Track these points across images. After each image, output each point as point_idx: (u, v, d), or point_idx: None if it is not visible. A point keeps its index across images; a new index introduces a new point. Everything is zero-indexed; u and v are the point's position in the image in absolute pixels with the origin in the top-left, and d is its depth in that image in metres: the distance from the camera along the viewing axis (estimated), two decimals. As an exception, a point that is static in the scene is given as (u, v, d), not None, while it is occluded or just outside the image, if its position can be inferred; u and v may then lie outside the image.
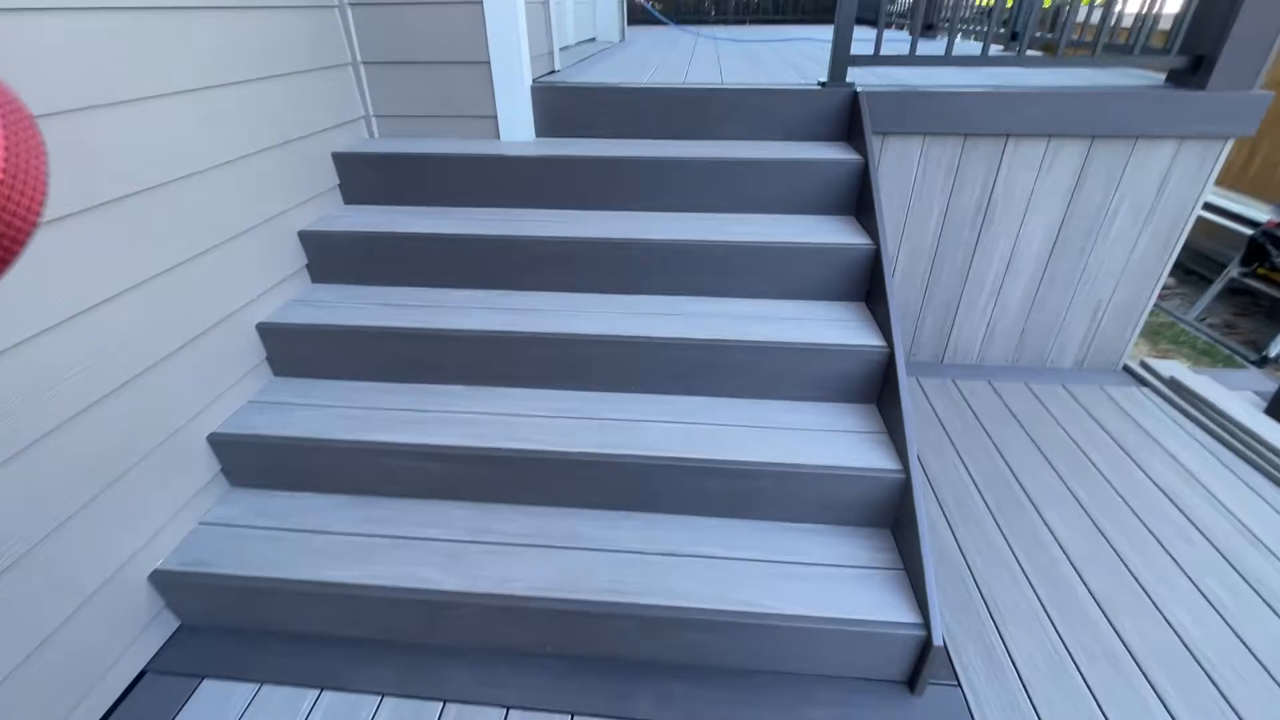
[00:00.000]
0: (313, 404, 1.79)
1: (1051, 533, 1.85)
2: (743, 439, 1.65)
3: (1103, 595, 1.66)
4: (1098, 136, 2.20)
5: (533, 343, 1.79)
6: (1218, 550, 1.79)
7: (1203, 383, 2.45)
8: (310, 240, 2.00)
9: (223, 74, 1.61)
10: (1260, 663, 1.49)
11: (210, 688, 1.43)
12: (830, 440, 1.65)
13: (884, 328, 1.75)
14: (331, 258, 2.04)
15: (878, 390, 1.76)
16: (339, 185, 2.20)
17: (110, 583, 1.36)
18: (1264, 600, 1.64)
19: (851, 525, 1.61)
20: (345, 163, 2.17)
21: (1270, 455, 2.09)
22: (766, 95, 2.23)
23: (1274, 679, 1.45)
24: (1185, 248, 5.06)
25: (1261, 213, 4.17)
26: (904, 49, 2.19)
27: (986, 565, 1.75)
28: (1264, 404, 2.41)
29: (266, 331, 1.82)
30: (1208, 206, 4.53)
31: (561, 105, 2.33)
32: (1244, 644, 1.53)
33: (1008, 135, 2.23)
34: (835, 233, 1.95)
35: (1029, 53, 2.20)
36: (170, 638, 1.54)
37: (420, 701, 1.40)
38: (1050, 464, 2.13)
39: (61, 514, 1.24)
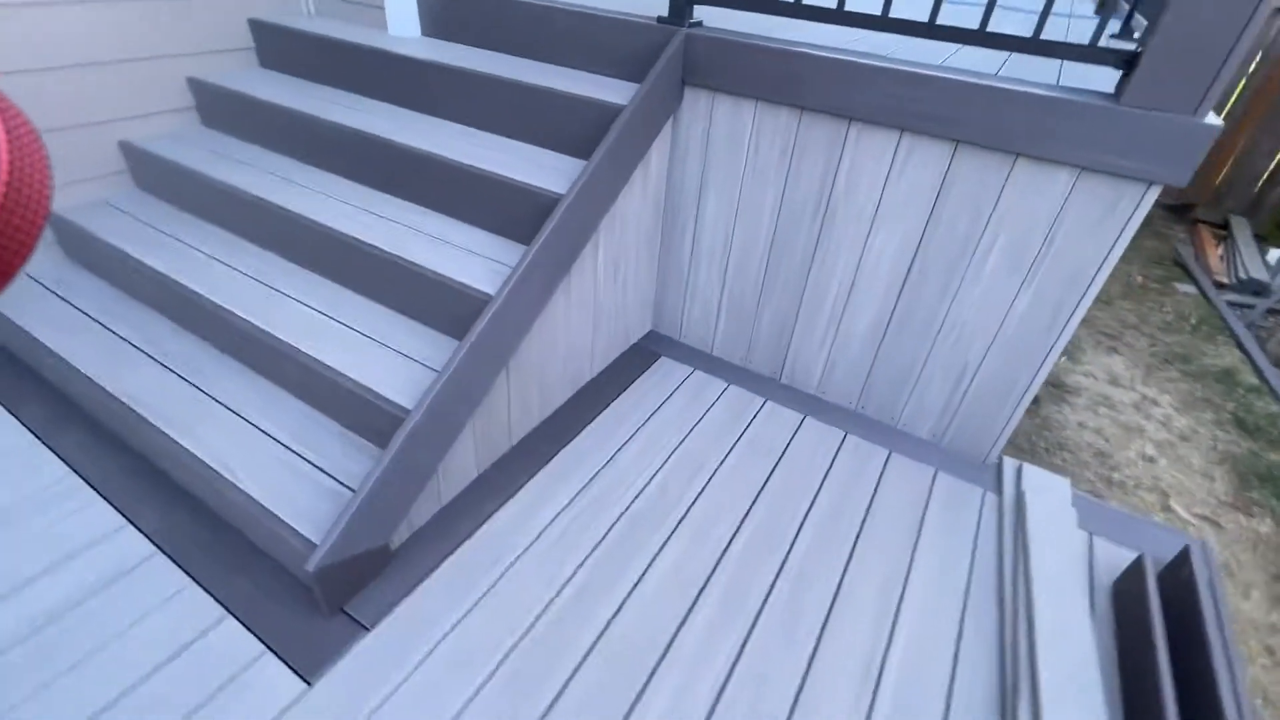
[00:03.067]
0: (138, 219, 2.21)
1: (663, 551, 1.62)
2: (335, 339, 1.71)
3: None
4: (963, 142, 1.65)
5: (272, 215, 1.97)
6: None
7: (1059, 516, 1.79)
8: (196, 88, 2.40)
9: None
10: None
11: (-37, 380, 1.99)
12: (384, 358, 1.64)
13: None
14: (217, 108, 2.42)
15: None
16: (256, 49, 2.56)
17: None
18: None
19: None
20: (261, 30, 2.51)
21: (1012, 607, 1.52)
22: (606, 24, 2.03)
23: None
24: None
25: None
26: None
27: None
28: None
29: (127, 149, 2.28)
30: None
31: (449, 7, 2.38)
32: None
33: (851, 119, 1.77)
34: (553, 178, 1.80)
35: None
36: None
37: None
38: (751, 501, 1.80)
39: None
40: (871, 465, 2.01)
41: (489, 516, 1.72)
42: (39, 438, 1.82)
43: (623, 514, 1.75)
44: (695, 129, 2.03)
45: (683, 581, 1.59)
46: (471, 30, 2.36)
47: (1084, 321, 3.84)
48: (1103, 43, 1.46)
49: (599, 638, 1.44)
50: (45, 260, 2.22)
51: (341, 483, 1.55)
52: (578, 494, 1.80)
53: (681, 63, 1.91)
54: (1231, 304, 3.87)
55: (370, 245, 1.78)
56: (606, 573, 1.59)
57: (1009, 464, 2.01)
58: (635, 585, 1.56)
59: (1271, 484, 2.92)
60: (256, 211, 2.01)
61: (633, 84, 2.02)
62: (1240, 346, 3.66)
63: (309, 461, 1.59)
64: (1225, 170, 4.65)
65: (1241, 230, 4.49)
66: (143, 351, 1.90)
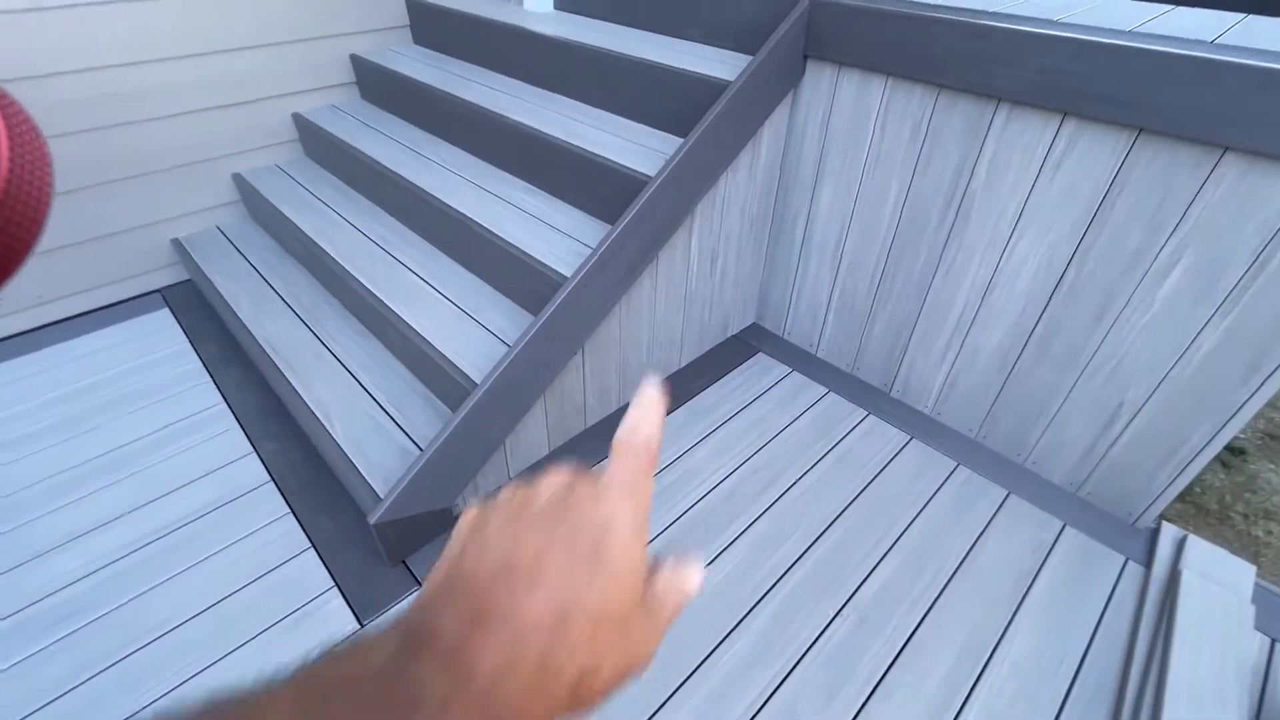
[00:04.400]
0: (299, 184, 2.50)
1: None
2: (432, 308, 1.80)
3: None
4: (1147, 130, 1.30)
5: (400, 187, 2.10)
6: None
7: (1227, 610, 1.41)
8: (358, 65, 2.63)
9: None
10: None
11: (164, 319, 2.40)
12: (470, 331, 1.69)
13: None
14: (372, 83, 2.65)
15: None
16: (410, 26, 2.74)
17: (140, 230, 2.36)
18: None
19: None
20: (415, 8, 2.68)
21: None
22: (730, -8, 1.89)
23: None
24: None
25: None
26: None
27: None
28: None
29: (298, 120, 2.57)
30: None
31: (581, -20, 2.36)
32: None
33: (999, 99, 1.48)
34: (650, 160, 1.72)
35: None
36: (181, 281, 2.55)
37: (203, 371, 2.14)
38: (827, 524, 1.63)
39: (110, 177, 2.22)
40: (983, 504, 1.73)
41: (551, 496, 1.74)
42: (208, 369, 2.15)
43: (681, 516, 1.68)
44: (816, 107, 1.83)
45: (731, 601, 1.49)
46: (600, 3, 2.32)
47: (1336, 360, 2.99)
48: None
49: (628, 641, 1.40)
50: (231, 216, 2.59)
51: (418, 445, 1.64)
52: (641, 487, 1.76)
53: (805, 34, 1.72)
54: None
55: (474, 221, 1.83)
56: (652, 575, 1.54)
57: (1169, 532, 1.63)
58: (677, 594, 1.49)
59: None
60: (388, 183, 2.17)
61: (741, 55, 1.86)
62: None
63: (395, 421, 1.71)
64: None
65: None
66: (285, 303, 2.15)
